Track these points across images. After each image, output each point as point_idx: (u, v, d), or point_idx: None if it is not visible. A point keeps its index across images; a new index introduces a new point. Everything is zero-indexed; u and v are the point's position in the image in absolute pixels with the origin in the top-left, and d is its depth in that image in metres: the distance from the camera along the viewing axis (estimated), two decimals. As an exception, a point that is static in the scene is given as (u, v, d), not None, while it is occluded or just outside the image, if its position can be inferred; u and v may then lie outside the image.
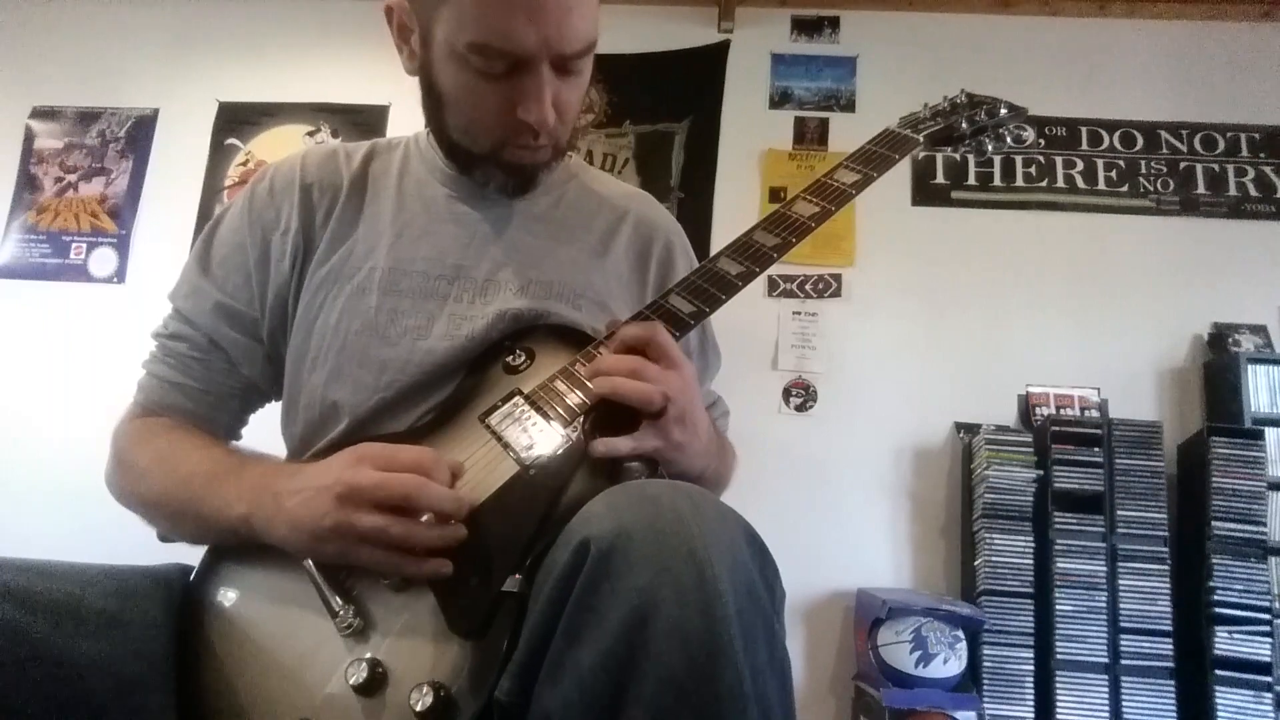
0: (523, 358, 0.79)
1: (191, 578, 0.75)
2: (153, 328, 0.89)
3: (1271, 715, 2.15)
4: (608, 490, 0.59)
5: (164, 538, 0.80)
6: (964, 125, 1.02)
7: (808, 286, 2.82)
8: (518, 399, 0.75)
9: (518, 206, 0.91)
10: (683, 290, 0.81)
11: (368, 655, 0.62)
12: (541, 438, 0.71)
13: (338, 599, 0.65)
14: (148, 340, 0.90)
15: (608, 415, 0.71)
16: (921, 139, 0.99)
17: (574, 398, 0.73)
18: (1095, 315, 2.73)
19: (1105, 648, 2.25)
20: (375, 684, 0.61)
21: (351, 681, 0.61)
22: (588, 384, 0.73)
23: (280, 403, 0.90)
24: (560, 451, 0.70)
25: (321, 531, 0.64)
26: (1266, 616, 2.20)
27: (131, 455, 0.81)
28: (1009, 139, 1.04)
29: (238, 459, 0.77)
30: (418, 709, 0.58)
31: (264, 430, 0.92)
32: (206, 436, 0.83)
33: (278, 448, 0.87)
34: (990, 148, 1.04)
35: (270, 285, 0.86)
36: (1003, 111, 1.02)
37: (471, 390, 0.78)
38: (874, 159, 0.93)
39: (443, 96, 0.81)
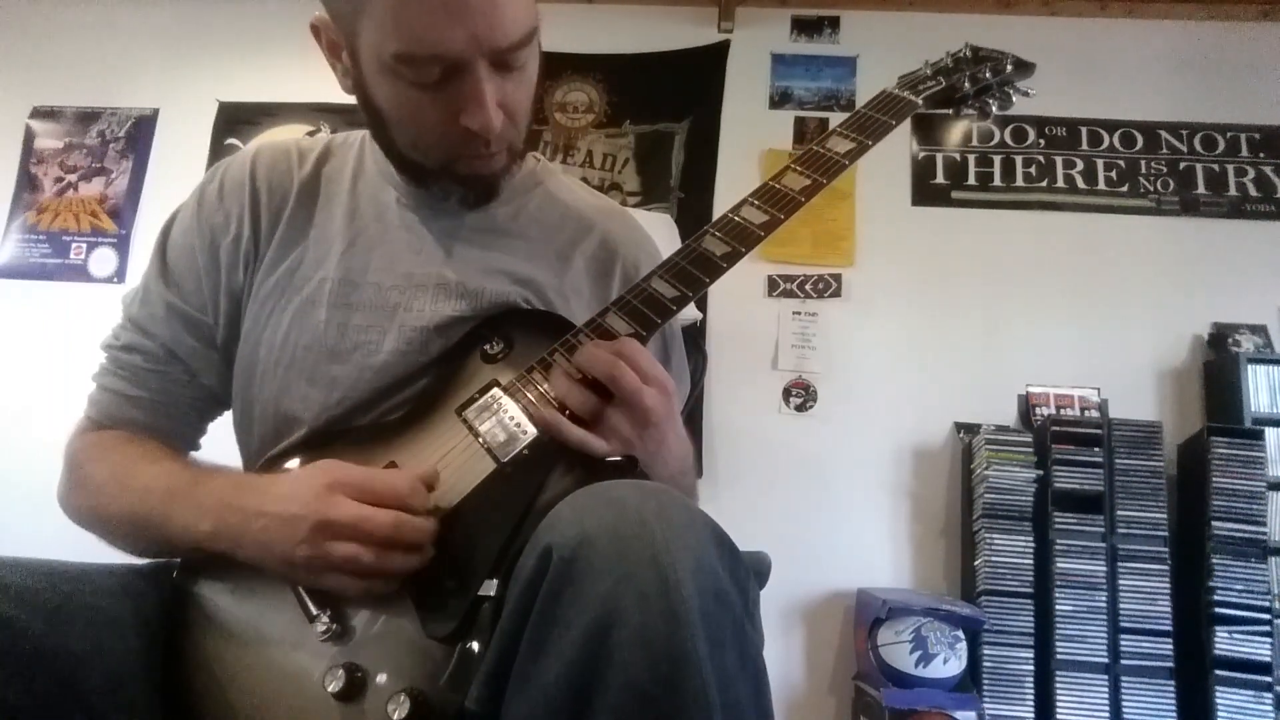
0: (500, 346, 0.76)
1: (177, 575, 0.74)
2: (101, 339, 0.85)
3: (1271, 715, 2.14)
4: (574, 493, 0.57)
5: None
6: (966, 84, 0.95)
7: (808, 286, 2.82)
8: (495, 390, 0.72)
9: (474, 217, 0.86)
10: (665, 273, 0.77)
11: (346, 661, 0.61)
12: (519, 432, 0.69)
13: (314, 605, 0.64)
14: (98, 352, 0.86)
15: None
16: (920, 101, 0.92)
17: (552, 390, 0.70)
18: (1095, 315, 2.73)
19: (1105, 648, 2.25)
20: (353, 690, 0.60)
21: (330, 688, 0.60)
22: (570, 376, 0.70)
23: (232, 409, 0.87)
24: (537, 447, 0.68)
25: (295, 559, 0.63)
26: (1266, 616, 2.20)
27: (85, 471, 0.78)
28: (1014, 97, 0.97)
29: (194, 473, 0.74)
30: (394, 717, 0.57)
31: (223, 432, 0.89)
32: (162, 449, 0.80)
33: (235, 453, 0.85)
34: (995, 107, 0.98)
35: (223, 292, 0.83)
36: (1009, 67, 0.96)
37: (448, 381, 0.76)
38: (869, 125, 0.87)
39: (382, 113, 0.76)
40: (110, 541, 0.75)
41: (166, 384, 0.82)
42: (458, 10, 0.66)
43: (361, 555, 0.61)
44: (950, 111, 0.99)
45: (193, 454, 0.85)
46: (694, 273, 0.76)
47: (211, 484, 0.70)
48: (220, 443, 0.88)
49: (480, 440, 0.70)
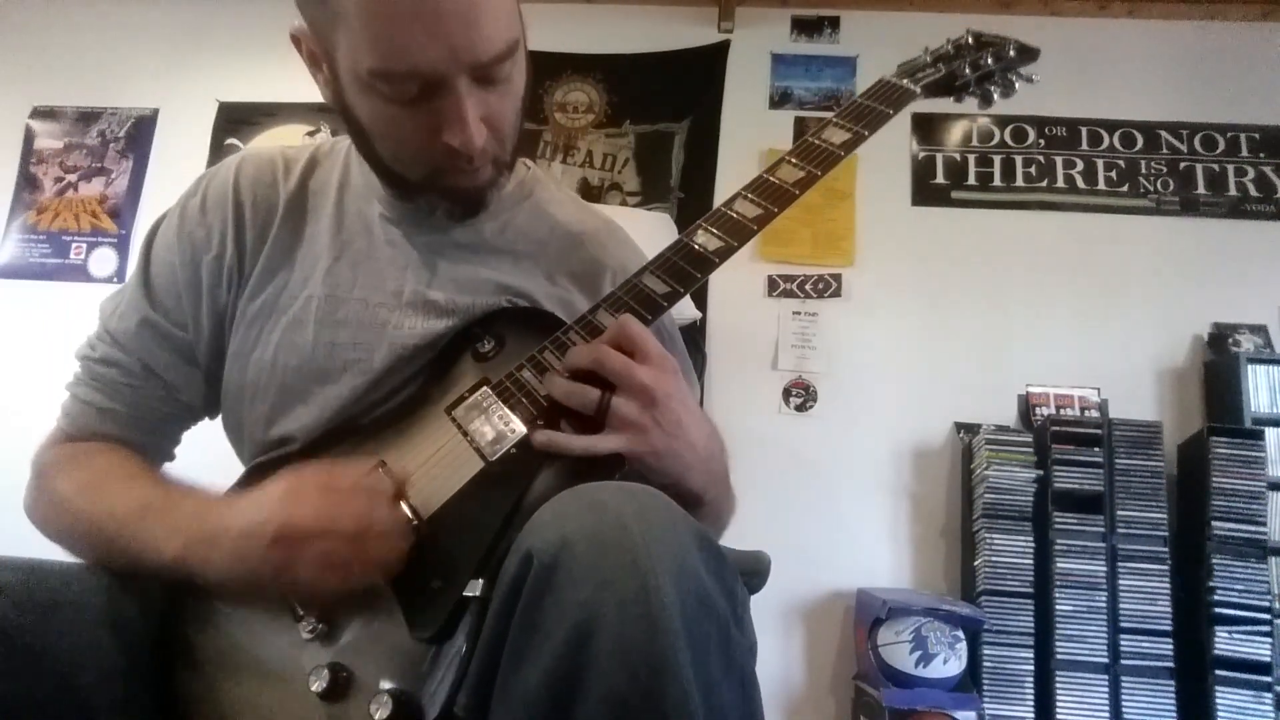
0: (491, 344, 0.76)
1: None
2: (76, 347, 0.83)
3: (1271, 715, 2.14)
4: (558, 495, 0.56)
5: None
6: (967, 71, 0.92)
7: (808, 286, 2.82)
8: (485, 389, 0.72)
9: (460, 232, 0.83)
10: (656, 268, 0.75)
11: (330, 661, 0.61)
12: (507, 431, 0.68)
13: (300, 605, 0.64)
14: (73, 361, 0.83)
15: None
16: (919, 90, 0.90)
17: (541, 388, 0.70)
18: (1095, 315, 2.73)
19: (1105, 648, 2.25)
20: (338, 690, 0.60)
21: (315, 688, 0.60)
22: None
23: (223, 424, 0.85)
24: (526, 446, 0.67)
25: (266, 567, 0.61)
26: (1266, 616, 2.20)
27: (53, 485, 0.76)
28: (1018, 84, 0.94)
29: (165, 493, 0.71)
30: (376, 718, 0.57)
31: (212, 433, 0.88)
32: (135, 464, 0.78)
33: (227, 456, 0.85)
34: (997, 95, 0.94)
35: (204, 309, 0.81)
36: (1011, 53, 0.93)
37: (440, 379, 0.75)
38: (866, 115, 0.85)
39: (363, 127, 0.74)
40: (76, 556, 0.73)
41: (141, 399, 0.80)
42: (433, 25, 0.63)
43: (333, 550, 0.60)
44: (952, 99, 0.96)
45: (166, 468, 0.83)
46: (686, 268, 0.74)
47: (179, 507, 0.68)
48: (210, 446, 0.87)
49: (469, 439, 0.69)
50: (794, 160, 0.81)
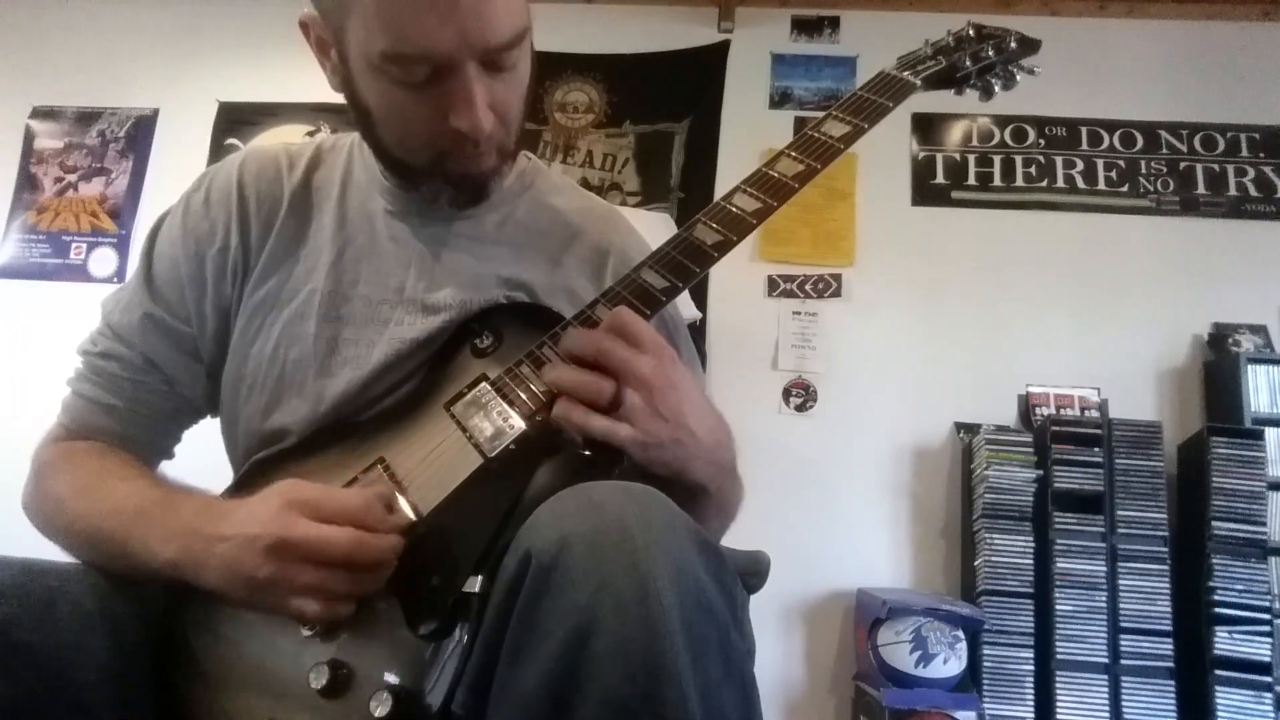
0: (490, 340, 0.76)
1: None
2: (78, 343, 0.83)
3: (1271, 715, 2.15)
4: (557, 494, 0.56)
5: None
6: (968, 62, 0.92)
7: (808, 286, 2.82)
8: (483, 385, 0.72)
9: (461, 226, 0.84)
10: (655, 263, 0.75)
11: (331, 658, 0.61)
12: (506, 426, 0.68)
13: None
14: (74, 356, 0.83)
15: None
16: (919, 82, 0.89)
17: (539, 383, 0.69)
18: (1095, 315, 2.73)
19: (1105, 648, 2.25)
20: (338, 687, 0.60)
21: (315, 685, 0.60)
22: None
23: (219, 419, 0.86)
24: (524, 442, 0.67)
25: (258, 581, 0.61)
26: (1266, 616, 2.20)
27: (52, 483, 0.76)
28: (1019, 75, 0.94)
29: (164, 494, 0.71)
30: (377, 714, 0.57)
31: (211, 435, 0.88)
32: (134, 465, 0.78)
33: (222, 460, 0.85)
34: (998, 86, 0.94)
35: (209, 303, 0.81)
36: (1012, 44, 0.93)
37: (439, 375, 0.75)
38: (865, 108, 0.84)
39: (370, 112, 0.75)
40: (73, 555, 0.73)
41: (143, 393, 0.80)
42: (447, 10, 0.65)
43: (325, 581, 0.60)
44: (953, 91, 0.95)
45: (164, 470, 0.83)
46: (685, 263, 0.73)
47: (178, 509, 0.68)
48: (205, 449, 0.87)
49: (468, 435, 0.69)
50: (793, 154, 0.81)
